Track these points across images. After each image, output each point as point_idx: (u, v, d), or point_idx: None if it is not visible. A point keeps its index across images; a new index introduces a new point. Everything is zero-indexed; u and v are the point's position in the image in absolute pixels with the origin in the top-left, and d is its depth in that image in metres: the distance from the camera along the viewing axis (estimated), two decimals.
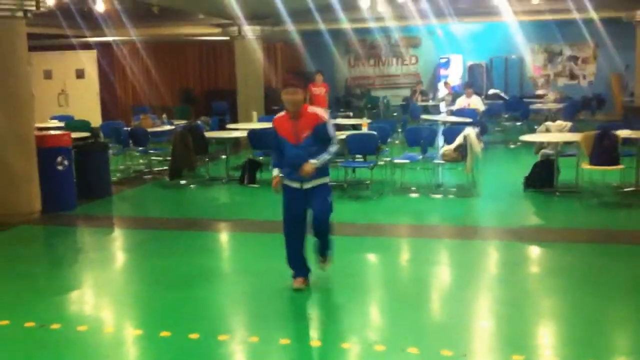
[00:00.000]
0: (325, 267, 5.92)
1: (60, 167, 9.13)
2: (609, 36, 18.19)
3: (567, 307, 5.49)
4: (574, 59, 21.68)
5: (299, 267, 5.84)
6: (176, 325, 5.09)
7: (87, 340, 4.96)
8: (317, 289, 5.78)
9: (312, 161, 5.48)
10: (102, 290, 6.30)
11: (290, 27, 17.00)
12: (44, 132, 9.93)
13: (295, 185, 5.64)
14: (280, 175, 5.77)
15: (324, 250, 5.86)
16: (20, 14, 8.73)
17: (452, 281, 6.35)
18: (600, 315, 5.26)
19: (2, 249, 7.70)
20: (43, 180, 8.96)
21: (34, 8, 8.88)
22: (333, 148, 5.61)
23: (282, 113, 5.73)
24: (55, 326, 5.13)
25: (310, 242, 5.83)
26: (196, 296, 5.79)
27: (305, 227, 5.77)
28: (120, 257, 7.50)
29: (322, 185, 5.66)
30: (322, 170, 5.62)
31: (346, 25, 18.34)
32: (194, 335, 4.87)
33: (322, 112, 5.70)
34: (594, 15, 16.30)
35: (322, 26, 17.80)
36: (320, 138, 5.53)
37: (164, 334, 4.92)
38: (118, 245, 7.96)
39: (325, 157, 5.57)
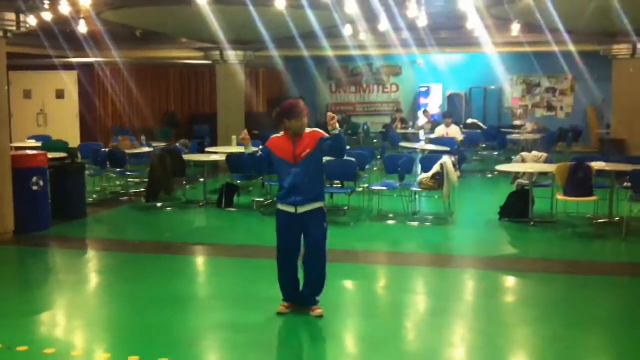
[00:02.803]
0: (319, 315, 5.70)
1: (35, 188, 9.05)
2: (587, 69, 18.52)
3: (541, 337, 5.50)
4: (552, 90, 22.02)
5: (288, 292, 5.81)
6: (146, 350, 5.03)
7: None
8: (293, 315, 5.74)
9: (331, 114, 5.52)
10: (72, 312, 6.21)
11: (274, 52, 17.11)
12: (20, 152, 9.84)
13: (290, 210, 5.62)
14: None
15: (316, 290, 5.75)
16: (0, 33, 8.71)
17: (427, 309, 6.34)
18: (574, 346, 5.27)
19: None
20: (17, 200, 8.87)
21: (14, 28, 8.87)
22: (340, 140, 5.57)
23: (280, 134, 5.73)
24: (21, 348, 5.04)
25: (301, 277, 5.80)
26: (168, 320, 5.73)
27: (298, 256, 5.74)
28: (92, 279, 7.41)
29: (318, 210, 5.65)
30: (317, 195, 5.63)
31: (329, 52, 18.50)
32: None
33: (317, 129, 5.75)
34: (572, 48, 16.59)
35: (305, 52, 17.95)
36: (322, 149, 5.58)
37: (133, 358, 4.85)
38: (91, 268, 7.87)
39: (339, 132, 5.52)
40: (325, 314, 5.82)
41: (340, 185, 10.55)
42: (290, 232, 5.68)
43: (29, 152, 10.20)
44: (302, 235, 5.69)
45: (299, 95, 17.88)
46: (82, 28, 13.73)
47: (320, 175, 5.68)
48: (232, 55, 15.92)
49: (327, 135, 5.59)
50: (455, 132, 14.73)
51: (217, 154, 11.97)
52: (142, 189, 11.65)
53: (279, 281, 5.84)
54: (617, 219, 9.43)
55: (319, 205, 5.66)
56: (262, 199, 10.85)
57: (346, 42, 16.99)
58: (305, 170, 5.56)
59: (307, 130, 5.70)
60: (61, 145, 12.83)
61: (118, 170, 11.96)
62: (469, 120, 19.94)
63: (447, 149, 12.52)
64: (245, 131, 5.91)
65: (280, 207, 5.70)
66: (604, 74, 17.67)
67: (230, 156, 10.91)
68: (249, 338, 5.33)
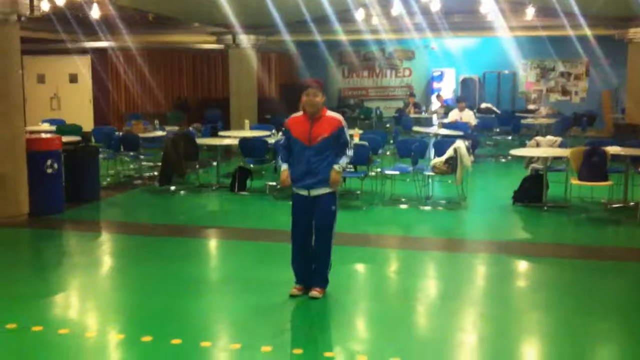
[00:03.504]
0: (314, 296, 5.73)
1: (49, 171, 9.10)
2: (602, 53, 18.35)
3: (553, 322, 5.48)
4: (566, 75, 21.83)
5: (300, 274, 5.82)
6: (159, 331, 5.07)
7: (68, 343, 4.93)
8: (303, 298, 5.75)
9: (336, 167, 5.55)
10: (86, 294, 6.26)
11: (286, 37, 17.06)
12: (34, 135, 9.90)
13: (303, 192, 5.66)
14: (288, 170, 5.77)
15: (321, 270, 5.76)
16: (14, 18, 8.74)
17: (439, 294, 6.34)
18: (586, 332, 5.26)
19: None
20: (32, 183, 8.94)
21: (28, 12, 8.89)
22: (350, 152, 5.67)
23: (299, 114, 5.71)
24: (36, 328, 5.10)
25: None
26: (181, 302, 5.76)
27: (312, 238, 5.74)
28: (105, 261, 7.47)
29: (329, 194, 5.66)
30: (328, 178, 5.61)
31: (341, 36, 18.42)
32: (176, 341, 4.85)
33: (341, 117, 5.71)
34: (587, 32, 16.42)
35: (317, 37, 17.87)
36: (336, 142, 5.58)
37: (146, 338, 4.89)
38: (104, 250, 7.93)
39: (345, 160, 5.64)
40: (336, 296, 5.83)
41: (353, 170, 10.54)
42: (303, 215, 5.71)
43: (43, 135, 10.27)
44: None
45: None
46: (95, 12, 13.72)
47: (333, 159, 5.64)
48: (245, 40, 15.91)
49: (342, 125, 5.59)
50: (468, 116, 14.65)
51: (229, 138, 11.98)
52: (155, 173, 11.70)
53: (291, 263, 5.85)
54: (632, 203, 9.36)
55: (331, 190, 5.66)
56: (274, 183, 10.85)
57: (359, 27, 16.90)
58: (318, 153, 5.56)
59: (330, 113, 5.66)
60: (75, 129, 12.90)
61: (131, 153, 12.01)
62: (483, 105, 19.83)
63: (461, 133, 12.46)
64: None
65: (295, 190, 5.73)
66: (619, 58, 17.52)
67: (242, 140, 10.92)
68: (261, 320, 5.36)
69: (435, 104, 19.88)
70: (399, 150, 10.67)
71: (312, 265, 5.81)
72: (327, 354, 4.78)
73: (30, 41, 14.44)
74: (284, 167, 5.81)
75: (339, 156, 5.63)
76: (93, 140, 12.51)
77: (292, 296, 5.74)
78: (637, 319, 5.50)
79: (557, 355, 4.83)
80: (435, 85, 22.39)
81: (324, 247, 5.75)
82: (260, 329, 5.18)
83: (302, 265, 5.82)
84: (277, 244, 7.51)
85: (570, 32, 16.69)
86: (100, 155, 10.84)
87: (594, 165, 8.80)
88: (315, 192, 5.62)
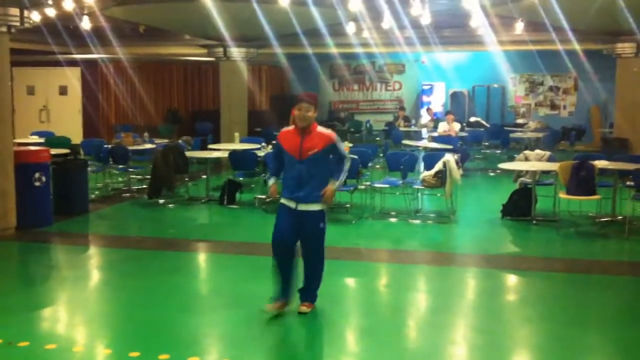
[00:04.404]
0: (303, 311, 5.68)
1: (37, 183, 9.06)
2: (590, 68, 18.50)
3: (542, 336, 5.49)
4: (555, 89, 21.99)
5: (283, 289, 5.70)
6: (146, 346, 5.03)
7: (55, 358, 4.88)
8: (293, 312, 5.73)
9: (331, 186, 5.51)
10: (74, 308, 6.21)
11: (277, 49, 17.09)
12: (23, 148, 9.85)
13: (291, 204, 5.60)
14: (276, 183, 5.80)
15: (312, 290, 5.72)
16: (4, 28, 8.72)
17: (429, 308, 6.34)
18: (576, 345, 5.27)
19: None
20: (20, 195, 8.89)
21: (18, 24, 8.87)
22: (347, 165, 5.65)
23: (290, 127, 5.68)
24: (23, 344, 5.04)
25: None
26: (169, 317, 5.73)
27: (294, 251, 5.66)
28: (94, 275, 7.41)
29: (318, 212, 5.58)
30: (319, 196, 5.54)
31: (332, 49, 18.48)
32: (164, 356, 4.81)
33: (332, 133, 5.68)
34: (576, 46, 16.55)
35: (308, 50, 17.93)
36: (328, 157, 5.57)
37: (134, 354, 4.85)
38: (93, 264, 7.88)
39: (342, 177, 5.62)
40: (327, 310, 5.81)
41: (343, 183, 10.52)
42: (286, 224, 5.59)
43: (32, 147, 10.22)
44: (299, 233, 5.60)
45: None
46: (85, 24, 13.73)
47: (325, 175, 5.59)
48: (235, 52, 15.93)
49: (334, 141, 5.56)
50: (457, 127, 14.88)
51: (219, 151, 11.96)
52: (145, 186, 11.65)
53: (274, 274, 5.72)
54: (620, 217, 9.41)
55: (320, 207, 5.60)
56: (264, 196, 10.83)
57: (349, 40, 16.97)
58: (309, 168, 5.52)
59: (320, 129, 5.63)
60: (64, 142, 12.84)
61: (120, 166, 11.97)
62: (472, 118, 19.94)
63: (450, 147, 12.51)
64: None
65: (283, 200, 5.68)
66: (608, 73, 17.65)
67: (232, 153, 10.91)
68: (250, 335, 5.33)
69: (425, 118, 19.96)
70: (388, 163, 10.69)
71: (294, 277, 5.72)
72: None
73: (20, 52, 14.40)
74: (272, 181, 5.83)
75: (337, 172, 5.61)
76: (82, 152, 12.48)
77: (275, 313, 5.61)
78: (625, 331, 5.52)
79: None
80: (425, 98, 22.49)
81: (316, 266, 5.72)
82: (250, 343, 5.16)
83: (284, 280, 5.67)
84: (267, 257, 7.42)
85: (559, 47, 16.83)
86: (89, 168, 10.79)
87: (582, 180, 8.84)
88: (304, 207, 5.56)
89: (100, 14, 13.78)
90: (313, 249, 5.67)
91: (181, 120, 19.22)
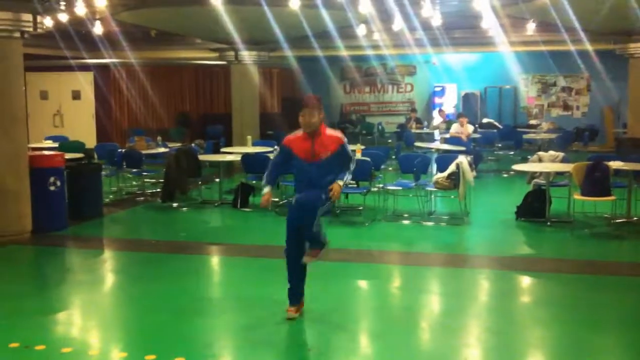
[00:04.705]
0: (307, 261, 5.61)
1: (52, 188, 9.12)
2: (603, 68, 18.40)
3: (556, 337, 5.46)
4: (567, 89, 21.88)
5: (294, 293, 5.70)
6: (162, 349, 5.05)
7: None
8: (307, 314, 5.74)
9: (339, 182, 5.51)
10: (89, 312, 6.25)
11: (287, 52, 17.13)
12: (38, 152, 9.92)
13: (293, 200, 5.64)
14: (270, 192, 5.75)
15: (316, 240, 5.60)
16: (17, 34, 8.79)
17: (442, 309, 6.32)
18: (589, 346, 5.24)
19: None
20: (35, 200, 8.94)
21: (31, 29, 8.94)
22: (353, 165, 5.66)
23: (298, 133, 5.67)
24: (39, 347, 5.08)
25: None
26: (184, 320, 5.75)
27: (300, 248, 5.63)
28: (109, 279, 7.46)
29: (317, 197, 5.53)
30: (325, 197, 5.53)
31: (343, 52, 18.50)
32: (179, 359, 4.83)
33: (341, 134, 5.71)
34: (588, 47, 16.48)
35: (319, 52, 17.95)
36: (339, 159, 5.58)
37: (149, 357, 4.87)
38: (107, 267, 7.92)
39: (348, 176, 5.62)
40: (339, 313, 5.82)
41: (355, 185, 10.53)
42: (294, 220, 5.61)
43: (46, 152, 10.29)
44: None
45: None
46: (97, 29, 13.82)
47: (335, 172, 5.60)
48: (246, 56, 15.97)
49: (344, 142, 5.60)
50: (469, 130, 14.84)
51: (232, 154, 12.00)
52: (158, 189, 11.71)
53: (288, 279, 5.70)
54: (635, 218, 9.35)
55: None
56: (277, 199, 10.85)
57: (360, 42, 16.99)
58: (320, 171, 5.53)
59: (329, 132, 5.65)
60: (78, 146, 12.92)
61: (134, 170, 12.03)
62: (485, 120, 19.89)
63: (463, 148, 12.48)
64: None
65: (292, 201, 5.71)
66: (620, 73, 17.56)
67: (245, 156, 10.93)
68: (264, 338, 5.33)
69: (437, 119, 19.92)
70: (401, 165, 10.67)
71: (305, 278, 5.71)
72: None
73: (33, 57, 14.52)
74: (267, 189, 5.71)
75: (342, 172, 5.62)
76: (96, 157, 12.55)
77: (289, 319, 5.61)
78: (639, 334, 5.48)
79: None
80: (437, 100, 22.45)
81: (313, 228, 5.52)
82: (263, 346, 5.16)
83: (296, 281, 5.68)
84: (280, 260, 7.47)
85: (571, 47, 16.77)
86: (103, 172, 10.86)
87: (596, 181, 8.78)
88: (305, 198, 5.55)
89: (112, 18, 13.87)
90: (309, 224, 5.49)
91: (192, 124, 19.29)
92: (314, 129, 5.55)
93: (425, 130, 18.66)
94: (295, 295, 5.72)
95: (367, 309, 6.29)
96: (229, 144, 15.50)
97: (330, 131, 5.69)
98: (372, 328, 5.76)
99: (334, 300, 5.83)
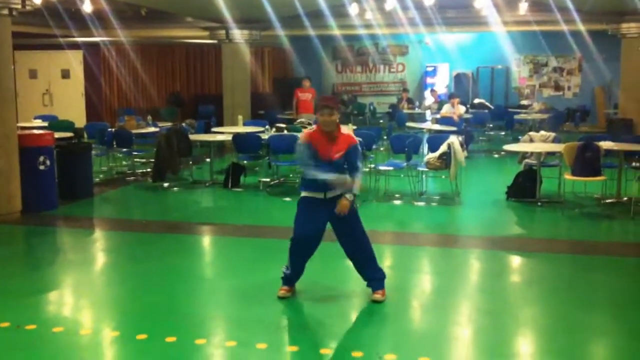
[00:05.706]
0: (377, 300, 5.65)
1: (42, 167, 9.06)
2: (595, 48, 18.39)
3: (547, 317, 5.50)
4: (559, 70, 21.87)
5: (290, 278, 5.73)
6: (153, 328, 5.05)
7: (62, 341, 4.91)
8: (298, 294, 5.75)
9: (348, 196, 5.46)
10: (80, 291, 6.24)
11: (279, 32, 16.99)
12: (27, 132, 9.84)
13: (318, 195, 5.54)
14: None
15: (375, 269, 5.73)
16: (5, 11, 8.67)
17: (433, 289, 6.35)
18: (580, 326, 5.28)
19: None
20: (24, 179, 8.89)
21: (19, 6, 8.82)
22: (360, 165, 5.64)
23: (311, 128, 5.68)
24: (30, 327, 5.07)
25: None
26: (175, 299, 5.75)
27: (320, 242, 5.66)
28: (99, 258, 7.44)
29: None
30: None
31: (335, 31, 18.37)
32: (170, 339, 4.84)
33: (353, 135, 5.75)
34: (580, 27, 16.44)
35: (311, 32, 17.82)
36: (349, 157, 5.55)
37: (141, 336, 4.88)
38: (98, 247, 7.90)
39: (356, 190, 5.55)
40: (330, 292, 5.83)
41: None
42: (315, 217, 5.57)
43: (36, 131, 10.21)
44: (329, 222, 5.60)
45: (305, 75, 17.74)
46: (87, 7, 13.64)
47: (343, 170, 5.58)
48: (238, 35, 15.84)
49: (356, 143, 5.63)
50: (462, 110, 14.84)
51: (223, 134, 11.95)
52: (149, 169, 11.65)
53: (290, 268, 5.70)
54: (625, 198, 9.39)
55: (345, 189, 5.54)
56: (268, 179, 10.83)
57: (352, 21, 16.86)
58: (337, 169, 5.52)
59: (344, 131, 5.72)
60: (67, 125, 12.84)
61: (124, 150, 11.96)
62: (476, 100, 19.86)
63: (454, 128, 12.48)
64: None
65: (305, 194, 5.61)
66: (613, 54, 17.55)
67: (236, 136, 10.89)
68: (256, 317, 5.34)
69: (429, 99, 19.89)
70: (393, 146, 10.66)
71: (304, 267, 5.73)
72: (323, 351, 4.79)
73: (22, 36, 14.34)
74: (332, 176, 5.46)
75: (353, 171, 5.53)
76: (86, 136, 12.48)
77: (281, 298, 5.66)
78: (631, 312, 5.52)
79: (553, 349, 4.83)
80: (429, 80, 22.39)
81: (364, 246, 5.70)
82: (256, 326, 5.17)
83: (300, 272, 5.72)
84: (272, 240, 7.51)
85: (563, 27, 16.73)
86: (93, 152, 10.79)
87: (587, 161, 8.81)
88: (332, 193, 5.52)
89: None
90: (354, 229, 5.66)
91: (184, 104, 19.17)
92: (332, 128, 5.57)
93: (417, 110, 18.63)
94: (291, 280, 5.75)
95: (358, 288, 6.30)
96: (220, 123, 15.43)
97: (345, 130, 5.75)
98: (363, 306, 5.77)
99: (325, 280, 5.84)
